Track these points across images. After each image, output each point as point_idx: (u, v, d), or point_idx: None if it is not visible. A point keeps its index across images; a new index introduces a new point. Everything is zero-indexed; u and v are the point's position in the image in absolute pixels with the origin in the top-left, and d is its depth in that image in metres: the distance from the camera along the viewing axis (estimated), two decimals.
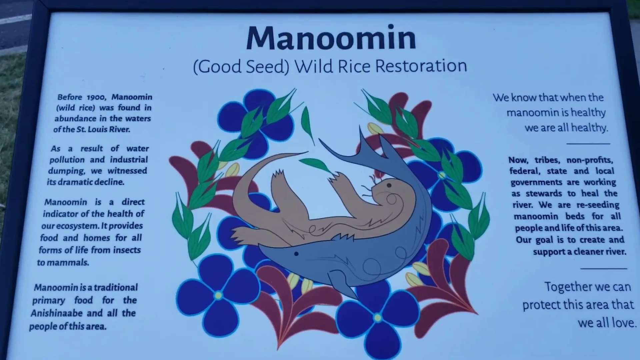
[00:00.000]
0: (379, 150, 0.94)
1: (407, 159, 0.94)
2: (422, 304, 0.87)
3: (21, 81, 3.23)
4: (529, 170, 0.94)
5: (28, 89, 0.96)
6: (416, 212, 0.91)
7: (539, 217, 0.91)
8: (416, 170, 0.93)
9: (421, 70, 0.98)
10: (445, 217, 0.91)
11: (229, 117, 0.95)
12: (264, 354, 0.85)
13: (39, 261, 0.88)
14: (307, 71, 0.98)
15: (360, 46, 1.00)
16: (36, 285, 0.87)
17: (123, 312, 0.86)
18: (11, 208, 0.90)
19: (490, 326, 0.86)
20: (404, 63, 0.99)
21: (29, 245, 0.89)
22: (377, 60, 0.99)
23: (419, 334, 0.86)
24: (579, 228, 0.91)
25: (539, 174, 0.94)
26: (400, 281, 0.88)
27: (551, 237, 0.90)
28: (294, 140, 0.95)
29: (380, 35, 1.00)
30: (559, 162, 0.94)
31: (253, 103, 0.96)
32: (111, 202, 0.91)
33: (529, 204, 0.92)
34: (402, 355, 0.85)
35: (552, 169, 0.94)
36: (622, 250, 0.90)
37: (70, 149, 0.93)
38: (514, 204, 0.92)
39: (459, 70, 0.99)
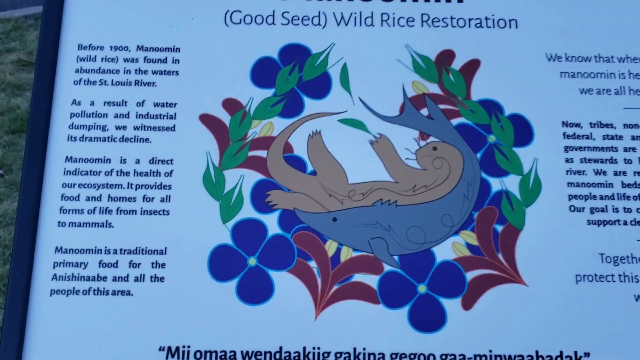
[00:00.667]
0: (424, 111, 0.88)
1: (455, 121, 0.88)
2: (470, 275, 0.82)
3: (18, 45, 3.13)
4: (583, 136, 0.88)
5: (45, 38, 0.89)
6: (464, 177, 0.85)
7: (594, 185, 0.86)
8: (464, 133, 0.87)
9: (469, 27, 0.92)
10: (495, 184, 0.85)
11: (263, 72, 0.89)
12: (301, 323, 0.80)
13: (59, 222, 0.82)
14: (346, 24, 0.91)
15: None
16: (57, 247, 0.81)
17: (151, 277, 0.81)
18: (29, 165, 0.84)
19: (540, 299, 0.81)
20: (451, 18, 0.92)
21: (48, 205, 0.83)
22: (422, 15, 0.92)
23: (466, 306, 0.81)
24: (635, 197, 0.85)
25: (594, 139, 0.87)
26: (446, 251, 0.83)
27: (606, 206, 0.85)
28: (332, 98, 0.88)
29: None
30: (615, 128, 0.88)
31: (288, 58, 0.90)
32: (137, 161, 0.85)
33: (583, 171, 0.86)
34: (447, 328, 0.80)
35: (607, 135, 0.88)
36: None
37: (92, 103, 0.87)
38: (567, 171, 0.86)
39: (510, 27, 0.92)
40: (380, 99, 0.88)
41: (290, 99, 0.88)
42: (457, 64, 0.90)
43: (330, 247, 0.82)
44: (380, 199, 0.84)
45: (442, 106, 0.88)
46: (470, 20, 0.92)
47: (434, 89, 0.89)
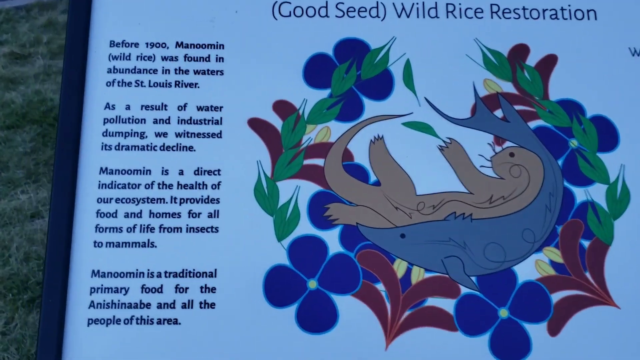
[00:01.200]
0: (498, 113, 0.79)
1: (532, 124, 0.79)
2: (555, 297, 0.73)
3: (10, 37, 3.03)
4: None
5: (73, 33, 0.79)
6: (545, 187, 0.77)
7: None
8: (543, 137, 0.78)
9: (543, 18, 0.83)
10: (579, 194, 0.77)
11: (316, 71, 0.80)
12: (370, 354, 0.71)
13: (95, 242, 0.73)
14: (408, 16, 0.82)
15: None
16: (93, 271, 0.73)
17: (200, 303, 0.72)
18: (59, 178, 0.75)
19: (634, 322, 0.73)
20: (523, 9, 0.83)
21: (82, 223, 0.74)
22: (491, 5, 0.83)
23: (553, 331, 0.72)
24: None
25: None
26: (528, 270, 0.74)
27: None
28: (394, 99, 0.79)
29: None
30: None
31: (344, 54, 0.80)
32: (181, 172, 0.76)
33: None
34: (533, 356, 0.71)
35: None
36: None
37: (128, 107, 0.77)
38: None
39: (588, 18, 0.83)
40: (449, 99, 0.79)
41: (348, 100, 0.79)
42: (532, 60, 0.81)
43: (400, 267, 0.74)
44: (453, 212, 0.75)
45: (517, 107, 0.79)
46: (544, 10, 0.83)
47: (507, 87, 0.80)
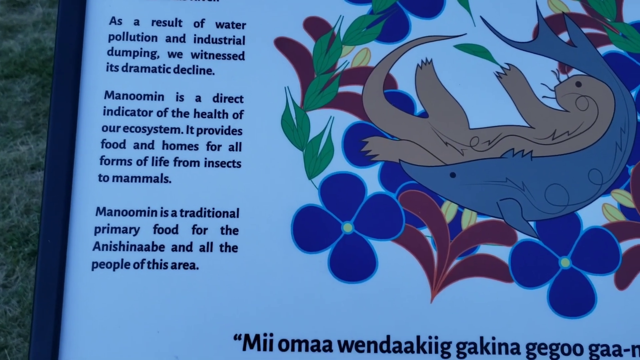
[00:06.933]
0: (564, 36, 0.69)
1: (602, 49, 0.69)
2: (625, 245, 0.65)
3: None
4: None
5: None
6: (615, 121, 0.67)
7: None
8: (615, 65, 0.68)
9: None
10: None
11: None
12: (413, 307, 0.63)
13: (100, 176, 0.64)
14: None
15: None
16: (98, 208, 0.63)
17: (220, 246, 0.63)
18: (58, 103, 0.65)
19: None
20: None
21: (85, 153, 0.64)
22: None
23: (621, 284, 0.64)
24: None
25: None
26: (594, 215, 0.65)
27: None
28: (445, 17, 0.69)
29: None
30: None
31: None
32: (198, 98, 0.66)
33: None
34: (597, 311, 0.63)
35: None
36: None
37: (137, 22, 0.67)
38: None
39: None
40: (509, 19, 0.69)
41: (392, 17, 0.69)
42: None
43: (448, 210, 0.65)
44: (511, 148, 0.66)
45: (586, 30, 0.69)
46: None
47: (575, 7, 0.70)
